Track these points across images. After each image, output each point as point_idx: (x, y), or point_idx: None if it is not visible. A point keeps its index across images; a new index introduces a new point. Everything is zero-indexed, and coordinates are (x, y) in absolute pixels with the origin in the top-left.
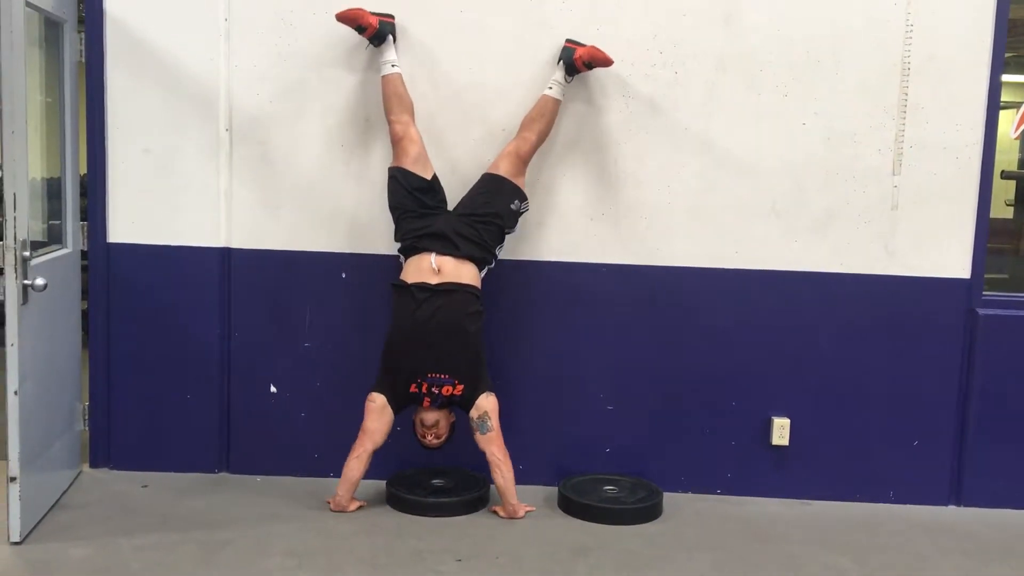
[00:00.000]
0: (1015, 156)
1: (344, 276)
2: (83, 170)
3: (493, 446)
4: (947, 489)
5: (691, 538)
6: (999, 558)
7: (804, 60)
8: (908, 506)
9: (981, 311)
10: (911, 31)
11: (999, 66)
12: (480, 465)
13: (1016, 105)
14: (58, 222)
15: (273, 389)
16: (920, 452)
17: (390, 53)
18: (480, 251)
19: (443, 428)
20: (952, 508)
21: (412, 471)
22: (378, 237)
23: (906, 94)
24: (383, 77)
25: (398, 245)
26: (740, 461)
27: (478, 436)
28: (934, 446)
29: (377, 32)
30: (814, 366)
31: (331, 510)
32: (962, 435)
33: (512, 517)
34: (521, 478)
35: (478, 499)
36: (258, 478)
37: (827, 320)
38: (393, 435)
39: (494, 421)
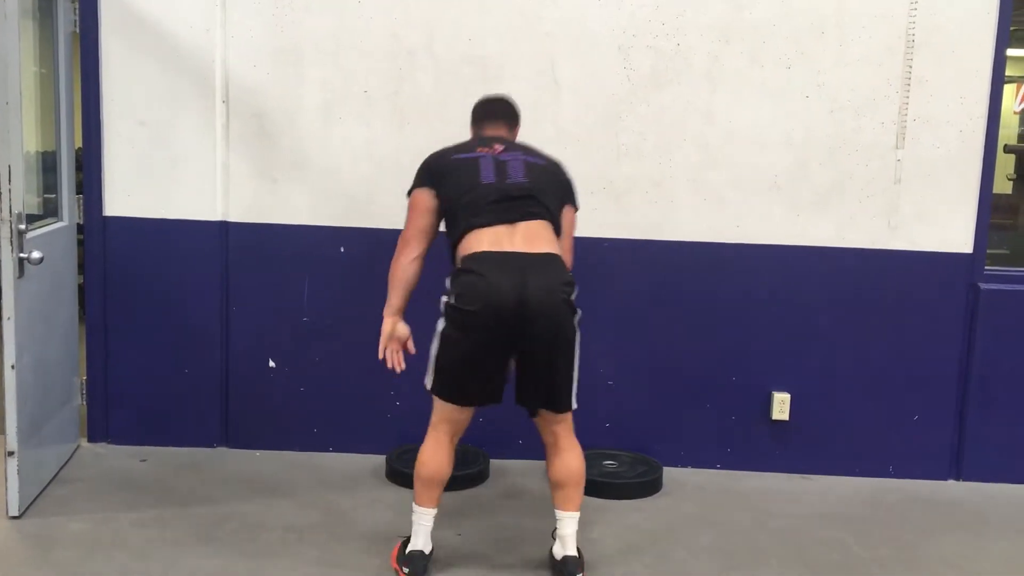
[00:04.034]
0: (1016, 130)
1: (343, 250)
2: (78, 143)
3: None
4: (947, 463)
5: (691, 513)
6: (999, 532)
7: (808, 32)
8: (908, 480)
9: (983, 286)
10: (916, 3)
11: (1004, 40)
12: (479, 440)
13: (1019, 79)
14: (53, 195)
15: (272, 363)
16: (920, 426)
17: None
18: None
19: None
20: (952, 482)
21: (412, 446)
22: (376, 211)
23: (910, 67)
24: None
25: None
26: (740, 436)
27: None
28: (935, 420)
29: None
30: (815, 340)
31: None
32: (963, 409)
33: None
34: (521, 453)
35: (478, 474)
36: (257, 452)
37: (828, 295)
38: (393, 410)
39: None
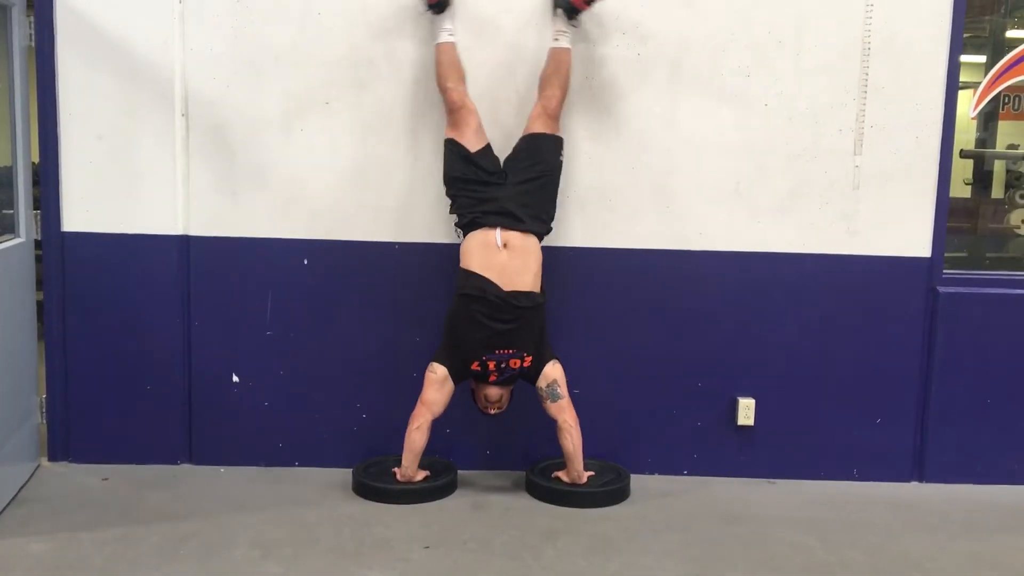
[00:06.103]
0: (973, 136)
1: (306, 263)
2: (35, 157)
3: (565, 413)
4: (910, 466)
5: (659, 520)
6: (961, 533)
7: (766, 41)
8: (872, 483)
9: (942, 289)
10: (871, 11)
11: (958, 46)
12: (447, 451)
13: (974, 85)
14: (10, 211)
15: (235, 378)
16: (883, 430)
17: (449, 21)
18: (542, 225)
19: (505, 401)
20: (915, 484)
21: (379, 458)
22: (340, 223)
23: (867, 74)
24: (440, 45)
25: (456, 219)
26: (706, 442)
27: (549, 404)
28: (897, 423)
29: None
30: (778, 346)
31: (397, 481)
32: (924, 412)
33: (575, 483)
34: (489, 463)
35: (446, 485)
36: (221, 469)
37: (791, 300)
38: (359, 423)
39: (563, 388)
